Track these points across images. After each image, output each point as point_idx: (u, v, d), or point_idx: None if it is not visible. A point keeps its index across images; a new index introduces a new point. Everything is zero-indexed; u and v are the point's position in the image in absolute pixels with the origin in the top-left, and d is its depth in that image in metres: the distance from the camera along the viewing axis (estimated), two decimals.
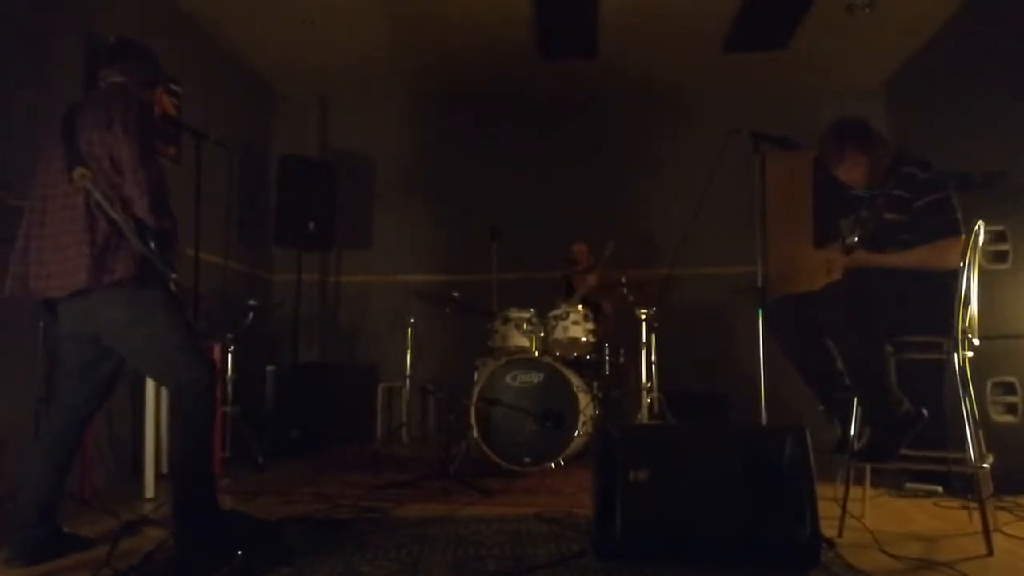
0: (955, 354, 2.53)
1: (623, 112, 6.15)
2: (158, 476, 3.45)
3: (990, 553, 2.37)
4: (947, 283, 2.56)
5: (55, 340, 3.02)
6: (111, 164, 2.30)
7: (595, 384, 4.52)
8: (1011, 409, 3.32)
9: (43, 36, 3.58)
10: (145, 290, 2.34)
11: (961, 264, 2.53)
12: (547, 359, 4.24)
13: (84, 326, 2.39)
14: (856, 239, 2.77)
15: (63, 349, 2.51)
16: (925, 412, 2.59)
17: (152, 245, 2.29)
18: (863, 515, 2.84)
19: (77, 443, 2.53)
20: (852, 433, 2.69)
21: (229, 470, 4.03)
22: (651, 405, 4.67)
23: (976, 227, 2.58)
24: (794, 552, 2.20)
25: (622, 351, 5.01)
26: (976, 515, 2.52)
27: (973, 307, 2.60)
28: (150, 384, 3.40)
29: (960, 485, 3.09)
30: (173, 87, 4.53)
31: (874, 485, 3.08)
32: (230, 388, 4.37)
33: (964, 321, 2.55)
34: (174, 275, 2.36)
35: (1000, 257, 3.36)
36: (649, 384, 4.69)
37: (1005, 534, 2.62)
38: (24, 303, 2.48)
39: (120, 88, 2.47)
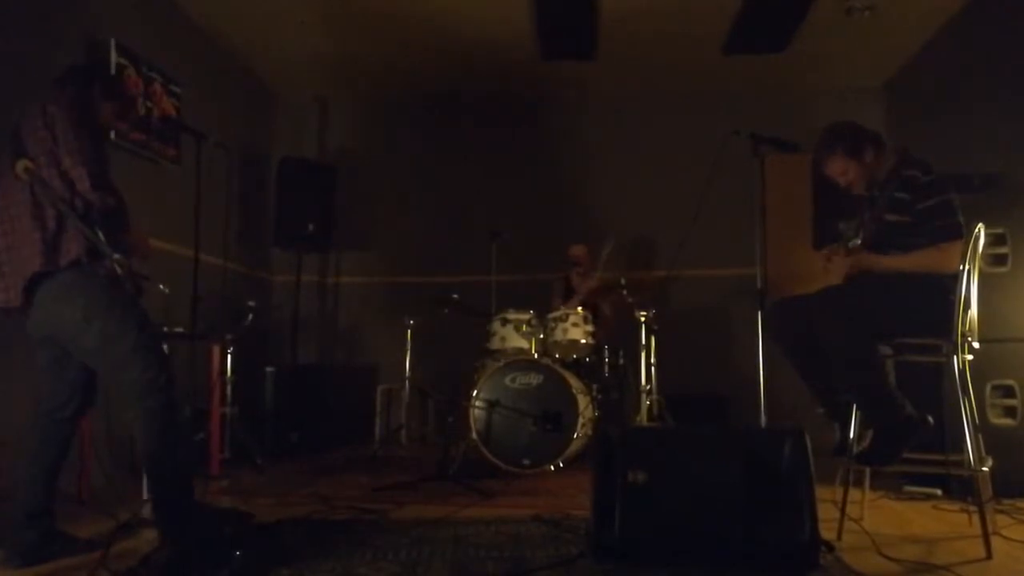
0: (955, 357, 2.53)
1: (623, 114, 6.15)
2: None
3: (989, 556, 2.37)
4: (947, 286, 2.56)
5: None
6: (54, 146, 2.30)
7: (594, 386, 4.52)
8: (1010, 412, 3.31)
9: (43, 38, 3.57)
10: (97, 280, 2.32)
11: (961, 267, 2.53)
12: (546, 361, 4.24)
13: (42, 327, 2.40)
14: (860, 241, 2.77)
15: (36, 351, 2.51)
16: (931, 419, 2.57)
17: (97, 230, 2.28)
18: (862, 518, 2.84)
19: (65, 445, 2.52)
20: (852, 436, 2.69)
21: (228, 471, 4.03)
22: (650, 407, 4.67)
23: (976, 230, 2.58)
24: (793, 555, 2.20)
25: (621, 353, 5.00)
26: (975, 518, 2.52)
27: (973, 310, 2.60)
28: None
29: (959, 488, 3.08)
30: (173, 88, 4.54)
31: (873, 488, 3.08)
32: (229, 389, 4.36)
33: (964, 324, 2.55)
34: (117, 256, 2.32)
35: (999, 260, 3.36)
36: (648, 386, 4.69)
37: (1004, 537, 2.62)
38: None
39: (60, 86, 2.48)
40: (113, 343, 2.34)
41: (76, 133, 2.32)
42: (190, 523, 2.38)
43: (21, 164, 2.27)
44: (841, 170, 2.87)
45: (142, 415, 2.36)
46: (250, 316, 4.55)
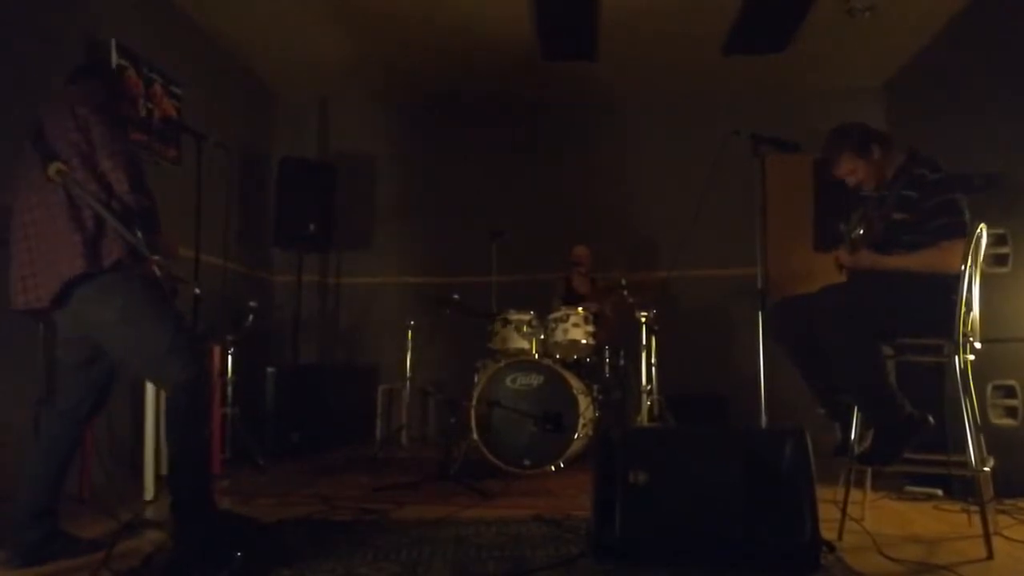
0: (956, 357, 2.53)
1: (623, 114, 6.16)
2: (157, 476, 3.45)
3: (990, 556, 2.37)
4: (948, 286, 2.56)
5: (53, 342, 3.02)
6: (89, 148, 2.29)
7: (595, 386, 4.52)
8: (1011, 412, 3.31)
9: (43, 38, 3.57)
10: (138, 282, 2.32)
11: (963, 267, 2.52)
12: (547, 361, 4.24)
13: (76, 327, 2.39)
14: (861, 231, 2.77)
15: (60, 351, 2.51)
16: (931, 419, 2.57)
17: (138, 232, 2.27)
18: (863, 518, 2.84)
19: (74, 446, 2.53)
20: (853, 436, 2.69)
21: (229, 471, 4.03)
22: (651, 407, 4.67)
23: (978, 230, 2.58)
24: (794, 555, 2.20)
25: (622, 353, 5.00)
26: (976, 518, 2.52)
27: (974, 310, 2.60)
28: (149, 384, 3.39)
29: (960, 488, 3.08)
30: (173, 89, 4.54)
31: (874, 488, 3.08)
32: (230, 389, 4.37)
33: (965, 324, 2.54)
34: (157, 257, 2.32)
35: (1000, 260, 3.36)
36: (649, 386, 4.69)
37: (1005, 537, 2.61)
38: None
39: (76, 84, 2.47)
40: (151, 344, 2.33)
41: (112, 135, 2.31)
42: (204, 524, 2.37)
43: (53, 167, 2.25)
44: (850, 169, 2.87)
45: (178, 417, 2.36)
46: (251, 316, 4.55)
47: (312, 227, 5.59)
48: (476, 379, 4.40)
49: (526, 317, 4.43)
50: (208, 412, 2.46)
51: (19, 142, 2.97)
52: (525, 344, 4.37)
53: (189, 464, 2.39)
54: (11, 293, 2.38)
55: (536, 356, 4.31)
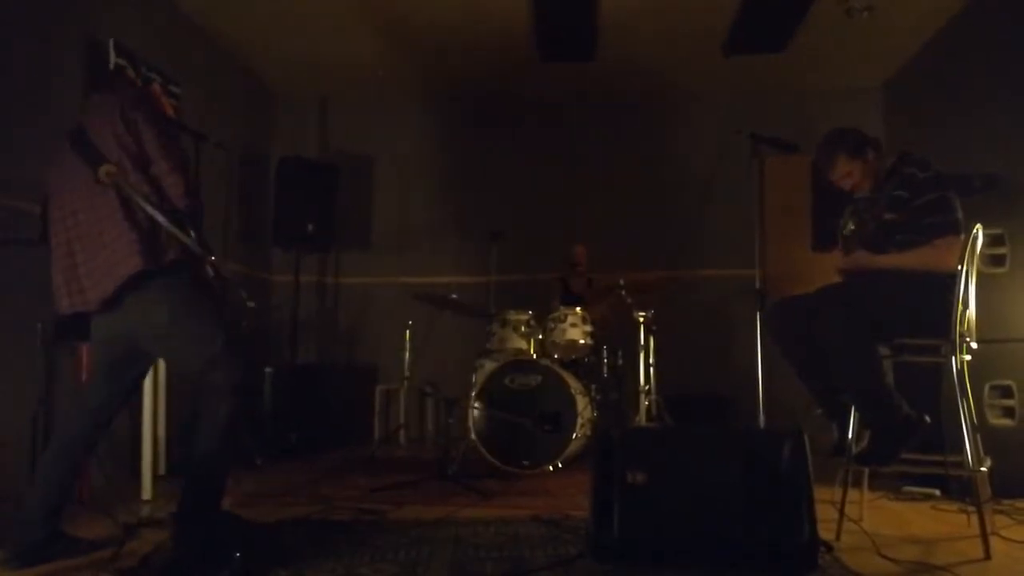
0: (953, 357, 2.53)
1: (622, 114, 6.16)
2: (156, 477, 3.45)
3: (988, 556, 2.37)
4: (945, 286, 2.56)
5: (53, 344, 3.02)
6: (139, 151, 2.29)
7: (593, 386, 4.52)
8: (1008, 412, 3.32)
9: (42, 38, 3.58)
10: (189, 285, 2.33)
11: (959, 267, 2.53)
12: (545, 361, 4.24)
13: (122, 328, 2.36)
14: (852, 227, 2.78)
15: (95, 351, 2.50)
16: (928, 418, 2.58)
17: (191, 232, 2.28)
18: (861, 518, 2.84)
19: (92, 446, 2.52)
20: (850, 436, 2.70)
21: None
22: (649, 407, 4.67)
23: (975, 231, 2.59)
24: (792, 555, 2.20)
25: (620, 353, 5.01)
26: (974, 518, 2.52)
27: (971, 310, 2.60)
28: (148, 385, 3.39)
29: (958, 488, 3.09)
30: (172, 88, 4.53)
31: (872, 488, 3.08)
32: None
33: (962, 324, 2.55)
34: (212, 256, 2.32)
35: (997, 261, 3.36)
36: (647, 386, 4.69)
37: (1002, 537, 2.62)
38: (21, 306, 2.48)
39: (114, 91, 2.47)
40: (200, 346, 2.33)
41: (167, 139, 2.32)
42: (205, 526, 2.36)
43: (104, 169, 2.24)
44: (846, 172, 2.88)
45: (213, 419, 2.33)
46: (249, 316, 4.54)
47: (311, 227, 5.59)
48: (474, 379, 4.40)
49: (524, 317, 4.43)
50: (241, 421, 2.42)
51: (19, 143, 2.97)
52: (523, 344, 4.37)
53: (214, 473, 2.37)
54: (55, 297, 2.37)
55: (534, 356, 4.32)
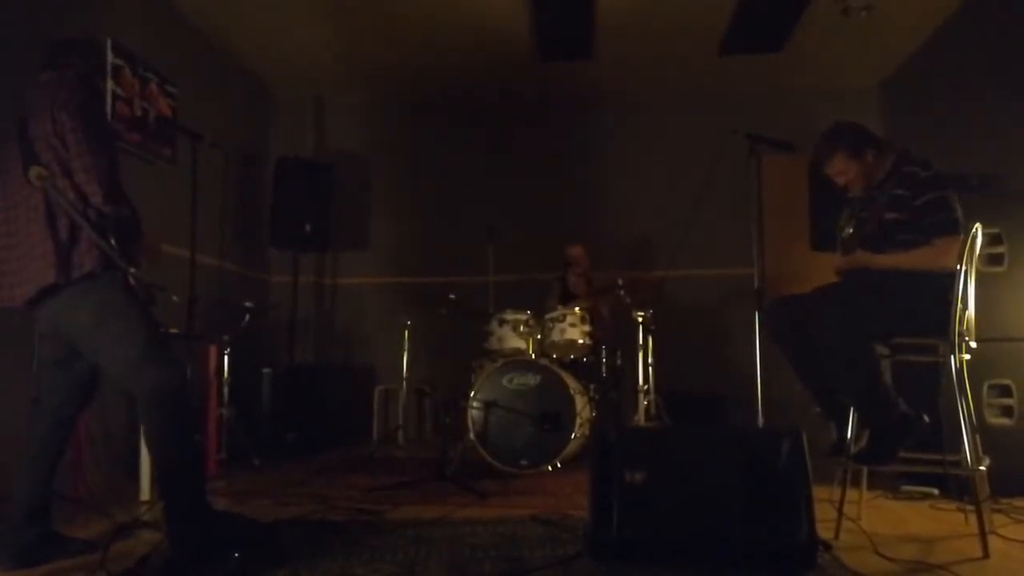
0: (952, 357, 2.53)
1: (619, 114, 6.16)
2: (154, 477, 3.44)
3: (986, 555, 2.37)
4: (944, 285, 2.56)
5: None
6: (66, 155, 2.26)
7: (592, 386, 4.52)
8: (1007, 411, 3.32)
9: (41, 38, 3.56)
10: (113, 287, 2.31)
11: (958, 266, 2.53)
12: (544, 361, 4.24)
13: (54, 325, 2.38)
14: (851, 230, 2.77)
15: (39, 349, 2.49)
16: (926, 417, 2.58)
17: (111, 239, 2.25)
18: (859, 517, 2.85)
19: (62, 445, 2.50)
20: (849, 435, 2.70)
21: (225, 472, 4.02)
22: (648, 407, 4.67)
23: (973, 230, 2.58)
24: (791, 554, 2.20)
25: (619, 353, 5.01)
26: (972, 517, 2.53)
27: (970, 310, 2.60)
28: None
29: (956, 487, 3.09)
30: (169, 88, 4.53)
31: (870, 487, 3.08)
32: (226, 390, 4.36)
33: (961, 324, 2.55)
34: (132, 269, 2.30)
35: (996, 260, 3.36)
36: (646, 386, 4.69)
37: (1001, 536, 2.62)
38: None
39: (58, 78, 2.42)
40: (124, 349, 2.31)
41: (89, 144, 2.27)
42: (199, 525, 2.36)
43: (35, 171, 2.23)
44: (841, 170, 2.87)
45: (158, 420, 2.32)
46: (247, 317, 4.54)
47: (308, 227, 5.59)
48: (473, 379, 4.39)
49: (523, 317, 4.42)
50: (194, 417, 2.41)
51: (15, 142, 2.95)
52: (522, 344, 4.36)
53: (177, 472, 2.36)
54: (2, 286, 2.37)
55: (533, 356, 4.31)
